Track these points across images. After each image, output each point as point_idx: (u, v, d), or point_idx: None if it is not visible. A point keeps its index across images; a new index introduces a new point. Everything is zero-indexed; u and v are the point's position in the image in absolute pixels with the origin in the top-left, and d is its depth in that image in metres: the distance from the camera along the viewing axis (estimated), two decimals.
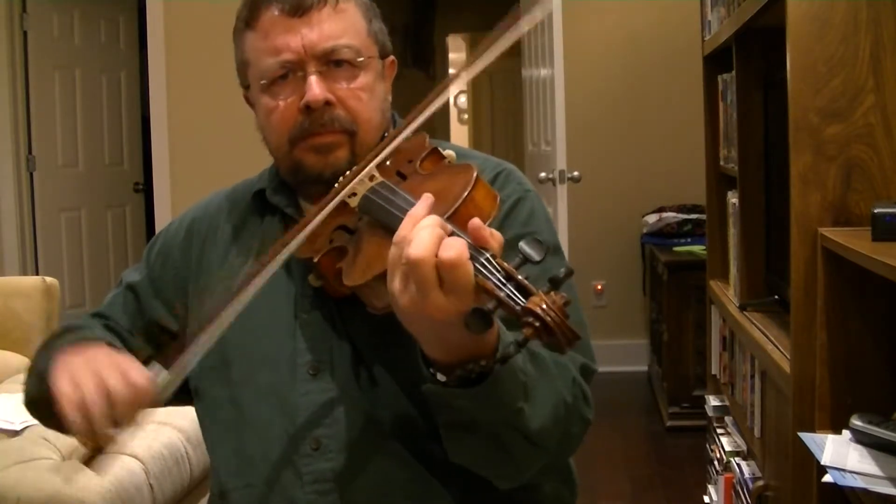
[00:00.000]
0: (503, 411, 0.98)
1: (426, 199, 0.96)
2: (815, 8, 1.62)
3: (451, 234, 0.91)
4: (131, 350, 1.28)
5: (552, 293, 0.84)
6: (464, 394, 0.96)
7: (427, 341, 0.96)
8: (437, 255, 0.87)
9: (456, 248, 0.87)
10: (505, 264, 0.88)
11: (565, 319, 0.83)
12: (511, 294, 0.86)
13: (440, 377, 0.97)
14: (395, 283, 0.92)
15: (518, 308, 0.84)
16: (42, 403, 1.14)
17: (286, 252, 1.07)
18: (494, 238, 0.92)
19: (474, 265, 0.88)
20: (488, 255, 0.89)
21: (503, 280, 0.87)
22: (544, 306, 0.83)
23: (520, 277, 0.87)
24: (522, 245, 0.89)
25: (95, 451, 1.05)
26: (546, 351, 1.06)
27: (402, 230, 0.92)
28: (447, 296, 0.88)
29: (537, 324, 0.83)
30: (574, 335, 0.84)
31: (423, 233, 0.89)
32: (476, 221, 0.91)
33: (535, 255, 0.88)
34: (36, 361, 1.25)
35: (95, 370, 1.03)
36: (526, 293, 0.85)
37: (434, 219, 0.92)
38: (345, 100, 1.16)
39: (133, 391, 1.01)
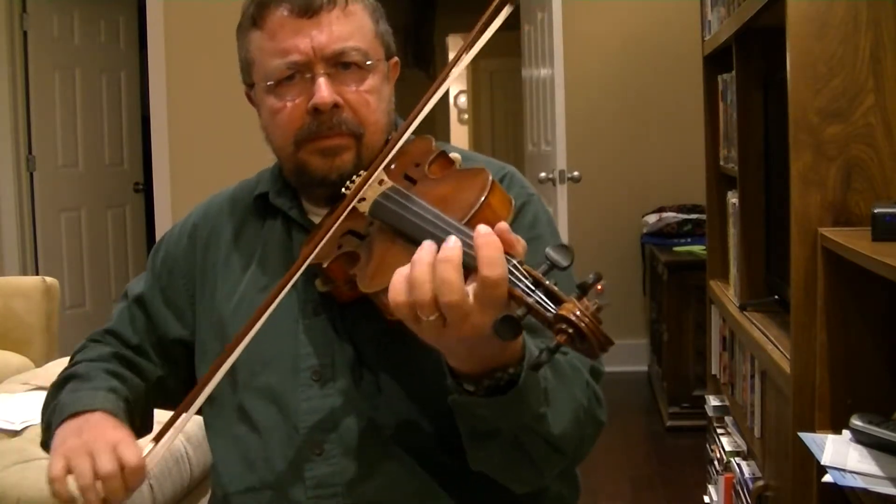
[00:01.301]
0: (527, 417, 0.98)
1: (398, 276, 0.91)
2: (815, 8, 1.62)
3: (467, 245, 0.89)
4: (142, 371, 1.29)
5: (584, 299, 0.84)
6: (490, 402, 0.95)
7: (456, 356, 0.95)
8: (468, 283, 0.86)
9: (499, 266, 0.86)
10: (533, 271, 0.87)
11: (599, 325, 0.83)
12: (541, 300, 0.85)
13: (468, 387, 0.96)
14: (418, 328, 0.91)
15: (550, 315, 0.84)
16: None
17: (303, 267, 1.07)
18: (520, 244, 0.91)
19: None
20: (515, 262, 0.88)
21: (532, 287, 0.86)
22: (578, 313, 0.82)
23: (548, 283, 0.86)
24: (549, 251, 0.88)
25: None
26: (560, 355, 1.06)
27: (398, 294, 0.89)
28: (483, 312, 0.87)
29: (571, 330, 0.82)
30: (608, 340, 0.83)
31: (442, 273, 0.87)
32: (503, 226, 0.90)
33: (563, 262, 0.88)
34: (44, 412, 1.25)
35: (88, 448, 1.05)
36: (556, 300, 0.85)
37: (433, 249, 0.90)
38: (352, 103, 1.16)
39: (124, 469, 1.03)
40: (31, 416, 2.45)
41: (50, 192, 5.08)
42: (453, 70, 1.11)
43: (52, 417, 1.17)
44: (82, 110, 5.31)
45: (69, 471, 1.04)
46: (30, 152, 4.99)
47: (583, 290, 0.84)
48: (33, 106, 4.97)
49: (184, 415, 1.08)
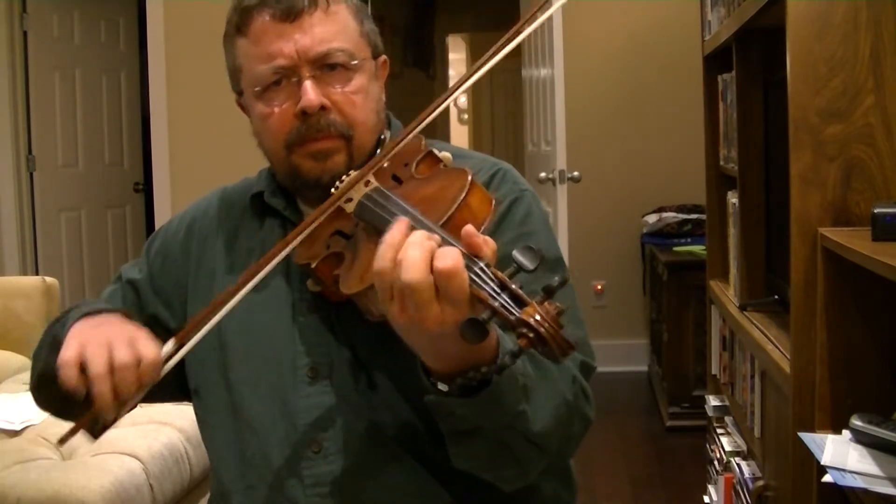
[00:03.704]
0: (505, 416, 0.98)
1: (400, 223, 0.93)
2: (815, 8, 1.62)
3: (444, 243, 0.90)
4: None
5: (546, 303, 0.84)
6: (465, 402, 0.95)
7: (426, 353, 0.95)
8: (431, 269, 0.87)
9: (452, 257, 0.86)
10: (499, 273, 0.88)
11: (559, 330, 0.83)
12: (505, 304, 0.85)
13: (441, 387, 0.96)
14: (392, 307, 0.90)
15: (512, 318, 0.84)
16: (49, 380, 1.12)
17: (285, 252, 1.07)
18: (488, 245, 0.91)
19: (469, 274, 0.87)
20: (482, 265, 0.88)
21: (497, 289, 0.86)
22: (538, 317, 0.82)
23: (514, 287, 0.86)
24: (515, 254, 0.88)
25: (92, 419, 1.03)
26: None
27: (382, 260, 0.90)
28: (443, 307, 0.87)
29: (531, 335, 0.82)
30: (568, 345, 0.83)
31: (410, 252, 0.88)
32: (469, 229, 0.91)
33: (529, 265, 0.88)
34: (48, 333, 1.23)
35: (106, 339, 1.02)
36: (520, 303, 0.85)
37: (419, 234, 0.91)
38: (340, 104, 1.16)
39: (140, 363, 1.00)
40: (31, 416, 2.45)
41: (50, 192, 5.08)
42: (473, 77, 1.10)
43: (62, 330, 1.13)
44: (82, 110, 5.30)
45: (82, 359, 1.01)
46: (30, 152, 4.98)
47: (548, 292, 0.85)
48: (33, 106, 4.97)
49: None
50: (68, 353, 1.01)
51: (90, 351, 1.01)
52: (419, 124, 1.10)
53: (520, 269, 0.88)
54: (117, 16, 5.52)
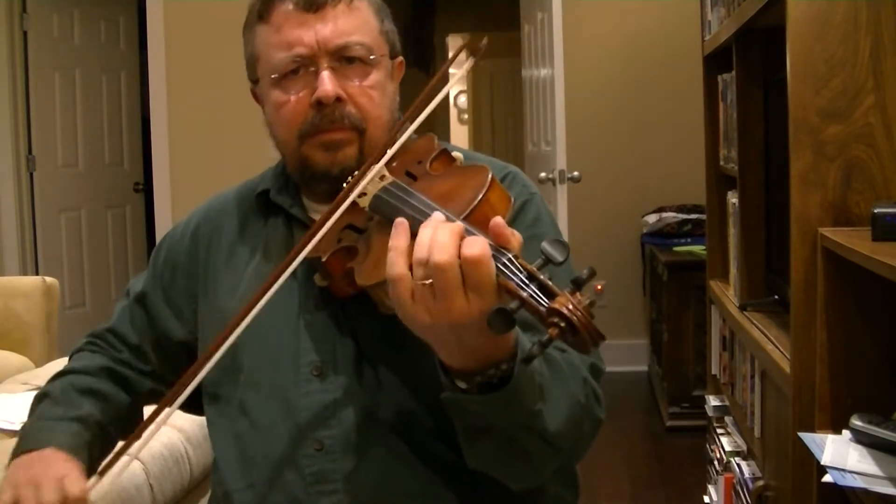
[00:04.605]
0: (521, 414, 0.98)
1: (437, 214, 0.94)
2: (815, 8, 1.62)
3: (469, 234, 0.91)
4: (131, 385, 1.30)
5: (577, 294, 0.84)
6: (484, 400, 0.95)
7: (445, 348, 0.95)
8: (459, 256, 0.87)
9: (479, 244, 0.87)
10: (527, 265, 0.88)
11: (591, 320, 0.83)
12: (534, 294, 0.85)
13: (461, 384, 0.96)
14: (410, 305, 0.91)
15: (543, 308, 0.84)
16: None
17: (298, 259, 1.07)
18: (515, 238, 0.92)
19: (496, 265, 0.88)
20: (510, 256, 0.89)
21: (526, 280, 0.87)
22: (570, 306, 0.83)
23: (542, 277, 0.87)
24: (545, 246, 0.89)
25: None
26: (557, 352, 1.06)
27: (420, 248, 0.90)
28: (469, 296, 0.88)
29: (563, 324, 0.82)
30: (599, 335, 0.84)
31: (441, 235, 0.89)
32: (498, 220, 0.91)
33: (558, 256, 0.88)
34: (22, 429, 1.26)
35: (36, 480, 1.09)
36: (550, 294, 0.85)
37: (441, 217, 0.92)
38: (356, 97, 1.16)
39: (67, 500, 1.08)
40: None
41: (50, 192, 5.08)
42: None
43: (18, 443, 1.21)
44: (82, 110, 5.31)
45: (16, 501, 1.08)
46: (30, 152, 4.99)
47: (577, 284, 0.85)
48: (33, 106, 4.97)
49: (149, 429, 1.13)
50: (3, 499, 1.10)
51: (20, 494, 1.09)
52: (415, 116, 1.11)
53: (548, 260, 0.88)
54: (117, 16, 5.53)
